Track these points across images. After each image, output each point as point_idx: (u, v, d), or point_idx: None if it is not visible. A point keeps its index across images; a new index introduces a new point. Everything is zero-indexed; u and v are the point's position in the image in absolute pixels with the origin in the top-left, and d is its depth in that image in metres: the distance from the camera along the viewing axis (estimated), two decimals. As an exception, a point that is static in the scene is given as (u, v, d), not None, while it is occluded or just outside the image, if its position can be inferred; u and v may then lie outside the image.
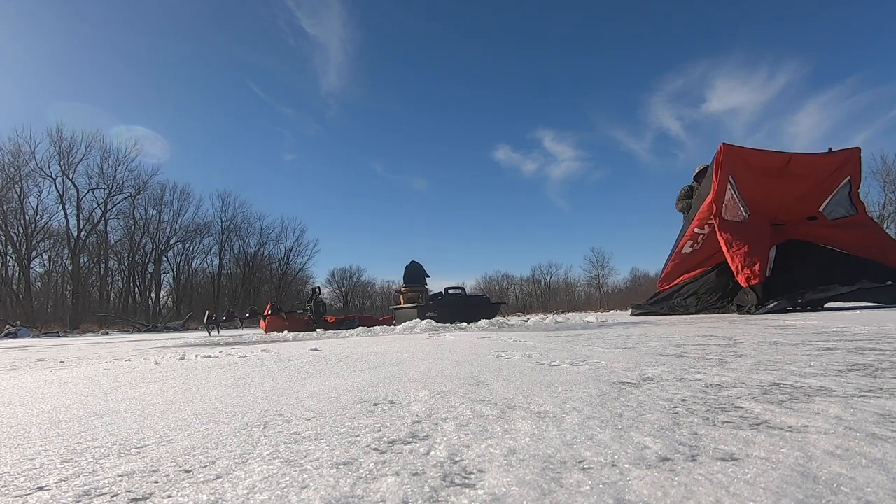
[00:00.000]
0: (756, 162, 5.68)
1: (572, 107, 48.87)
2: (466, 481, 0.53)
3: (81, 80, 39.06)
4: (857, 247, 5.27)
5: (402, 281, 8.42)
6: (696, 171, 6.75)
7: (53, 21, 35.39)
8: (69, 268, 27.06)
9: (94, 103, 42.91)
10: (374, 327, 6.65)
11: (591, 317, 6.22)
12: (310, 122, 48.44)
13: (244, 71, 44.84)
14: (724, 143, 5.58)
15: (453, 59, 48.52)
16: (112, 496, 0.54)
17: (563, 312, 16.46)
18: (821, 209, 5.72)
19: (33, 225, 26.31)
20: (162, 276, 31.71)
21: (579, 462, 0.57)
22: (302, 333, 6.34)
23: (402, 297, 7.94)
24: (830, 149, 5.75)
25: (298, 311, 9.39)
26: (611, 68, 47.15)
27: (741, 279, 5.21)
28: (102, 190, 28.35)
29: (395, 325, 6.84)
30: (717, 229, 5.54)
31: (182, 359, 2.53)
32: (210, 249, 33.16)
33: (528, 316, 7.82)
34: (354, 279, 44.51)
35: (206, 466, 0.63)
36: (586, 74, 47.64)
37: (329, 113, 47.54)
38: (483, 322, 5.55)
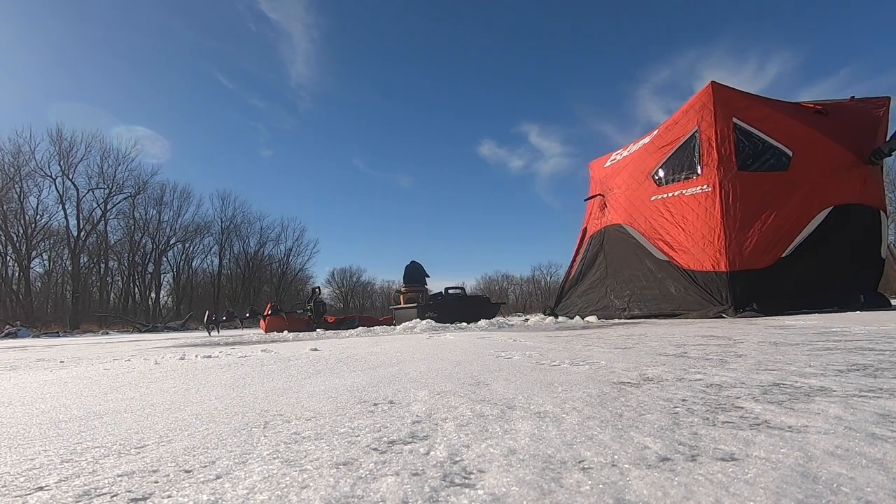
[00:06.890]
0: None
1: (557, 100, 46.86)
2: (466, 481, 0.53)
3: (81, 80, 38.57)
4: None
5: (402, 281, 8.44)
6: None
7: (53, 21, 35.20)
8: (69, 268, 27.04)
9: (93, 103, 42.43)
10: (374, 327, 6.65)
11: (592, 316, 6.21)
12: (283, 115, 45.33)
13: (208, 59, 41.23)
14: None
15: (429, 49, 45.42)
16: (112, 496, 0.54)
17: (563, 312, 16.37)
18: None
19: (33, 225, 26.30)
20: (162, 276, 31.69)
21: (579, 462, 0.57)
22: (302, 333, 6.34)
23: (402, 297, 7.95)
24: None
25: (298, 312, 9.40)
26: (593, 58, 44.62)
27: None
28: (102, 190, 28.34)
29: (395, 325, 6.84)
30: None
31: (182, 359, 2.53)
32: (210, 249, 33.14)
33: (528, 316, 7.82)
34: (354, 279, 44.39)
35: (206, 466, 0.63)
36: (569, 65, 45.38)
37: (303, 105, 44.37)
38: (483, 322, 5.55)
